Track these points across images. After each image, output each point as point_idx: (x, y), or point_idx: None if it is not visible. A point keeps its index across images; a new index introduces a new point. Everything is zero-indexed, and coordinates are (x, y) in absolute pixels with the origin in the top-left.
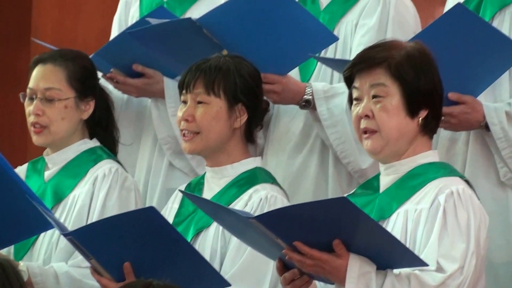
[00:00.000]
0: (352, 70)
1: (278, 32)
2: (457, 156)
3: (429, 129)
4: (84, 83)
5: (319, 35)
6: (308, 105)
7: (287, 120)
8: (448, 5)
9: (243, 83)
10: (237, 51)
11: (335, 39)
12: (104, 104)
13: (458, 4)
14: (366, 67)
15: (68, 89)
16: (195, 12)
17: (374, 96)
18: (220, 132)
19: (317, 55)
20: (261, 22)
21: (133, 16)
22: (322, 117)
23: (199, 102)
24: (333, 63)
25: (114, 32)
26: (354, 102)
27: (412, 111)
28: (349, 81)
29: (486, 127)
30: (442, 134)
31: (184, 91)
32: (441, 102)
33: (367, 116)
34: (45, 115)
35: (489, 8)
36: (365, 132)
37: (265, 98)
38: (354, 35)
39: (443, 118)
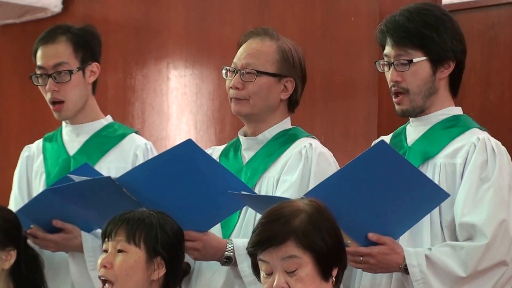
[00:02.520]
0: (259, 249)
1: (197, 190)
2: None
3: (338, 281)
4: (5, 233)
5: (238, 190)
6: (229, 261)
7: (209, 275)
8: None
9: (164, 238)
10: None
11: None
12: (30, 260)
13: (382, 141)
14: (274, 244)
15: None
16: (103, 166)
17: (287, 269)
18: (137, 282)
19: (239, 212)
20: (180, 181)
21: (37, 171)
22: (243, 274)
23: (119, 251)
24: (254, 202)
25: (15, 186)
26: (265, 275)
27: (326, 275)
28: (253, 255)
29: (405, 270)
30: (363, 284)
31: (106, 239)
32: (345, 252)
33: None
34: None
35: (412, 160)
36: None
37: (186, 261)
38: (275, 191)
39: (362, 258)
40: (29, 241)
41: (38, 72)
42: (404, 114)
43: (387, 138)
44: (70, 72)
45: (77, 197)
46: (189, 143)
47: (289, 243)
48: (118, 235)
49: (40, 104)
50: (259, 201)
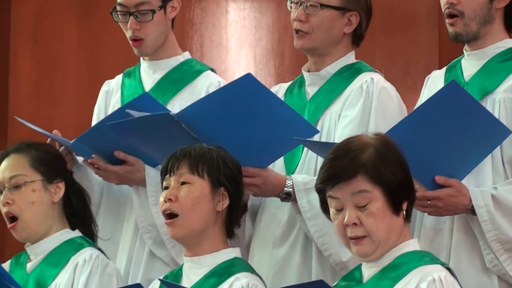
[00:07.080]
0: (329, 185)
1: (257, 126)
2: (442, 246)
3: (409, 215)
4: (49, 166)
5: (299, 128)
6: (289, 197)
7: (273, 208)
8: (425, 95)
9: (226, 170)
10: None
11: (315, 132)
12: (78, 194)
13: (453, 81)
14: (344, 179)
15: (33, 173)
16: (176, 103)
17: (357, 204)
18: (203, 213)
19: (301, 149)
20: (240, 116)
21: (114, 106)
22: (303, 209)
23: (183, 183)
24: (318, 147)
25: (94, 121)
26: (335, 211)
27: (397, 209)
28: (322, 191)
29: (472, 211)
30: (426, 223)
31: (167, 175)
32: (413, 185)
33: (354, 224)
34: (15, 203)
35: None
36: (353, 238)
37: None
38: (337, 126)
39: (429, 202)
40: (79, 180)
41: (119, 9)
42: (457, 37)
43: (440, 72)
44: (153, 11)
45: (134, 133)
46: (248, 77)
47: (359, 178)
48: (181, 168)
49: (97, 40)
50: (323, 147)
